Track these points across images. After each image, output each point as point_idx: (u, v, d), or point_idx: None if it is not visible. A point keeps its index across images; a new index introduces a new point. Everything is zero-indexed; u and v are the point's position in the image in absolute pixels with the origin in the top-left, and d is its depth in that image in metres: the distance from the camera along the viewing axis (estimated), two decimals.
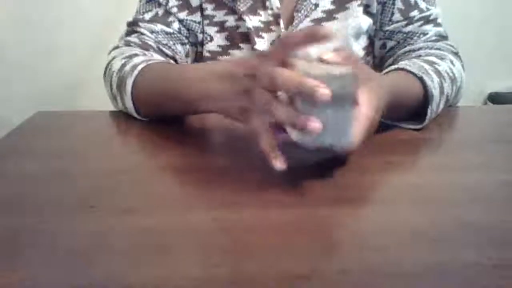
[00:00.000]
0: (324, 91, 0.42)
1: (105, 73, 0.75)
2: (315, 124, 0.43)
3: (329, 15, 0.79)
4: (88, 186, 0.50)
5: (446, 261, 0.37)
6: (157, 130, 0.65)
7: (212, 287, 0.34)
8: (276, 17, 0.78)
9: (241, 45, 0.80)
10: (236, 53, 0.80)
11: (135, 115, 0.69)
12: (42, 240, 0.40)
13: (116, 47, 0.78)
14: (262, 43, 0.78)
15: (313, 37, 0.46)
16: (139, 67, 0.67)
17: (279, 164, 0.47)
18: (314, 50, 0.49)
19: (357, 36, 0.81)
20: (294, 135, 0.47)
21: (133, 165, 0.57)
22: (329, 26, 0.79)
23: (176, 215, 0.44)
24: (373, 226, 0.42)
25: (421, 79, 0.64)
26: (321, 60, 0.49)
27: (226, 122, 0.57)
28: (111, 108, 0.75)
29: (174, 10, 0.79)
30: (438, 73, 0.68)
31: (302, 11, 0.78)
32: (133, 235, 0.41)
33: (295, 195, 0.47)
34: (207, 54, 0.81)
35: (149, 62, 0.69)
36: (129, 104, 0.68)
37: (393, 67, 0.69)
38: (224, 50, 0.80)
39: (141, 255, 0.38)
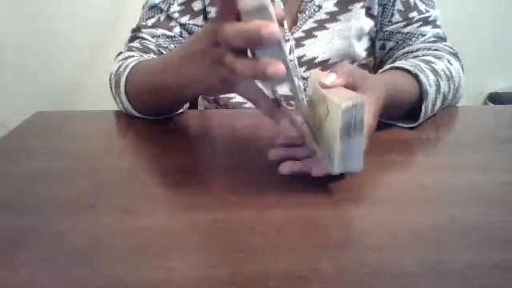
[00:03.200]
0: (266, 30, 0.40)
1: (109, 79, 0.76)
2: (274, 66, 0.41)
3: (332, 17, 0.79)
4: (88, 186, 0.50)
5: (446, 261, 0.37)
6: (157, 130, 0.65)
7: (212, 287, 0.34)
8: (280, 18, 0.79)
9: None
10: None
11: (134, 113, 0.69)
12: (42, 240, 0.40)
13: (120, 54, 0.79)
14: None
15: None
16: (131, 65, 0.68)
17: (283, 124, 0.47)
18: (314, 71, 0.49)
19: (359, 37, 0.81)
20: (263, 84, 0.47)
21: (133, 165, 0.57)
22: (331, 29, 0.79)
23: (176, 215, 0.44)
24: (373, 226, 0.42)
25: (415, 76, 0.65)
26: (322, 86, 0.48)
27: (226, 123, 0.57)
28: (111, 108, 0.75)
29: (176, 15, 0.80)
30: (435, 71, 0.68)
31: (306, 13, 0.79)
32: (133, 235, 0.41)
33: (295, 195, 0.47)
34: None
35: (140, 59, 0.69)
36: (126, 103, 0.68)
37: (388, 66, 0.70)
38: None
39: (141, 255, 0.38)
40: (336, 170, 0.46)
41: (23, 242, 0.40)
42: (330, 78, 0.49)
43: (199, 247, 0.39)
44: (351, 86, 0.50)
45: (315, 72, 0.51)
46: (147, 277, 0.35)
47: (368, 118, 0.50)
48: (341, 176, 0.50)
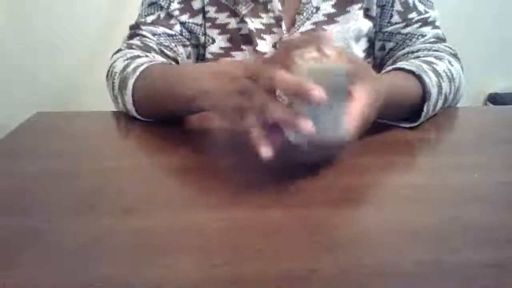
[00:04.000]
0: (319, 94, 0.43)
1: (107, 75, 0.75)
2: (309, 123, 0.44)
3: (330, 19, 0.79)
4: (88, 186, 0.50)
5: (446, 261, 0.37)
6: (157, 131, 0.65)
7: (212, 287, 0.34)
8: (278, 19, 0.79)
9: (243, 47, 0.80)
10: (238, 54, 0.80)
11: (135, 115, 0.69)
12: (42, 240, 0.40)
13: (119, 50, 0.78)
14: (264, 45, 0.79)
15: (315, 41, 0.47)
16: (141, 68, 0.68)
17: (264, 151, 0.47)
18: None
19: (357, 39, 0.81)
20: (290, 136, 0.48)
21: (133, 165, 0.57)
22: (330, 30, 0.79)
23: (176, 215, 0.44)
24: (373, 226, 0.42)
25: (419, 77, 0.65)
26: (319, 52, 0.49)
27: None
28: (111, 108, 0.75)
29: (176, 13, 0.79)
30: (436, 72, 0.68)
31: (304, 14, 0.79)
32: (133, 235, 0.41)
33: (295, 195, 0.47)
34: (209, 56, 0.82)
35: (151, 63, 0.69)
36: (130, 105, 0.68)
37: (391, 67, 0.70)
38: (226, 52, 0.81)
39: (141, 255, 0.38)
40: (321, 135, 0.46)
41: (23, 242, 0.40)
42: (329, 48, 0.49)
43: (199, 247, 0.39)
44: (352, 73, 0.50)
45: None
46: (147, 277, 0.35)
47: (364, 105, 0.50)
48: (341, 176, 0.50)
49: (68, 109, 0.78)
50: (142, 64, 0.68)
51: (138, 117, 0.69)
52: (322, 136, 0.46)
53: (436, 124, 0.68)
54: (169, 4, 0.79)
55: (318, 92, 0.43)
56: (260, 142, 0.48)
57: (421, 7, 0.80)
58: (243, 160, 0.56)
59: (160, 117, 0.67)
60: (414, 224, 0.42)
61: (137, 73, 0.67)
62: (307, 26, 0.79)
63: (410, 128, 0.65)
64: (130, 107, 0.68)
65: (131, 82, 0.67)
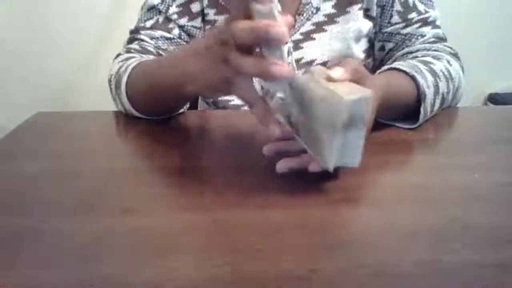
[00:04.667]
0: (279, 29, 0.41)
1: (108, 80, 0.76)
2: (283, 67, 0.42)
3: (330, 19, 0.79)
4: (88, 186, 0.50)
5: (446, 261, 0.37)
6: (157, 130, 0.65)
7: (212, 287, 0.34)
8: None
9: None
10: None
11: (134, 113, 0.69)
12: (42, 240, 0.40)
13: (118, 55, 0.79)
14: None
15: None
16: (132, 65, 0.68)
17: (272, 130, 0.47)
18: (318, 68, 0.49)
19: (357, 39, 0.81)
20: (270, 87, 0.47)
21: (133, 165, 0.57)
22: (330, 31, 0.79)
23: (176, 215, 0.44)
24: (373, 226, 0.42)
25: (413, 77, 0.65)
26: (329, 80, 0.48)
27: (226, 123, 0.57)
28: (111, 108, 0.75)
29: (174, 16, 0.80)
30: (433, 72, 0.68)
31: (304, 15, 0.78)
32: (133, 235, 0.41)
33: (295, 195, 0.47)
34: None
35: (141, 60, 0.69)
36: (126, 104, 0.68)
37: (386, 67, 0.70)
38: None
39: (141, 255, 0.38)
40: (333, 164, 0.45)
41: (23, 242, 0.40)
42: (337, 72, 0.49)
43: (199, 247, 0.39)
44: (356, 83, 0.50)
45: (317, 67, 0.50)
46: (147, 277, 0.35)
47: (370, 117, 0.50)
48: (341, 176, 0.50)
49: (67, 110, 0.78)
50: (133, 62, 0.69)
51: (138, 115, 0.69)
52: (336, 164, 0.45)
53: (436, 124, 0.68)
54: (168, 8, 0.79)
55: (276, 27, 0.41)
56: (264, 121, 0.47)
57: (421, 7, 0.80)
58: (243, 160, 0.56)
59: (157, 111, 0.68)
60: (414, 224, 0.42)
61: (129, 70, 0.68)
62: (307, 26, 0.79)
63: (410, 128, 0.65)
64: (127, 105, 0.68)
65: (124, 81, 0.68)
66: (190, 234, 0.41)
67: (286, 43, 0.78)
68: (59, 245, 0.39)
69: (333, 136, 0.44)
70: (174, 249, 0.39)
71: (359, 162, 0.46)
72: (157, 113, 0.68)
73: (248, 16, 0.45)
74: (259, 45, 0.45)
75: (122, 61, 0.74)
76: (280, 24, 0.42)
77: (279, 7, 0.44)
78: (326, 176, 0.49)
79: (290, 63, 0.46)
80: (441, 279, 0.35)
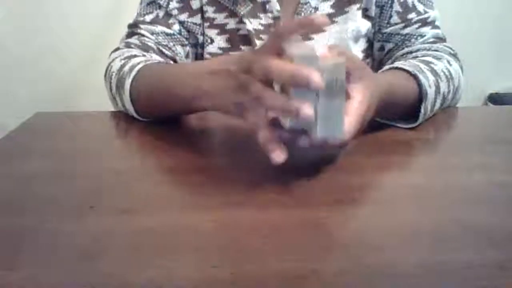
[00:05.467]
0: (317, 79, 0.42)
1: (105, 74, 0.75)
2: (307, 109, 0.43)
3: (329, 19, 0.79)
4: (88, 186, 0.50)
5: (446, 261, 0.37)
6: (157, 131, 0.65)
7: (212, 287, 0.34)
8: (277, 20, 0.79)
9: (242, 47, 0.80)
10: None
11: (134, 115, 0.69)
12: (42, 240, 0.40)
13: (117, 49, 0.78)
14: None
15: (308, 26, 0.46)
16: (137, 67, 0.68)
17: (276, 157, 0.47)
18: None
19: (356, 39, 0.81)
20: (287, 123, 0.47)
21: (133, 165, 0.57)
22: (328, 31, 0.79)
23: (176, 215, 0.44)
24: (373, 226, 0.42)
25: (415, 76, 0.65)
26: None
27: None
28: (111, 108, 0.75)
29: (175, 12, 0.79)
30: (434, 72, 0.68)
31: (302, 14, 0.78)
32: (133, 235, 0.41)
33: (295, 195, 0.47)
34: (207, 56, 0.82)
35: (147, 63, 0.69)
36: (128, 104, 0.68)
37: (388, 66, 0.70)
38: (225, 53, 0.81)
39: (141, 255, 0.38)
40: (319, 134, 0.46)
41: (23, 242, 0.40)
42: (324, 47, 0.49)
43: (199, 247, 0.39)
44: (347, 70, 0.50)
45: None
46: (147, 277, 0.35)
47: (361, 104, 0.50)
48: (341, 176, 0.50)
49: (67, 110, 0.78)
50: (138, 64, 0.68)
51: (137, 117, 0.69)
52: (320, 134, 0.46)
53: (436, 124, 0.68)
54: (168, 3, 0.79)
55: (314, 75, 0.42)
56: (269, 147, 0.47)
57: (420, 7, 0.80)
58: (243, 160, 0.56)
59: (159, 117, 0.67)
60: (414, 224, 0.42)
61: (134, 72, 0.67)
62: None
63: (410, 128, 0.65)
64: (129, 106, 0.68)
65: (128, 82, 0.67)
66: (190, 234, 0.41)
67: None
68: (59, 245, 0.39)
69: (316, 103, 0.45)
70: (174, 249, 0.39)
71: (344, 134, 0.47)
72: (159, 118, 0.68)
73: (279, 51, 0.47)
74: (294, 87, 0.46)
75: (124, 58, 0.72)
76: (317, 71, 0.43)
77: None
78: (326, 176, 0.50)
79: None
80: (441, 279, 0.35)
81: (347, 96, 0.49)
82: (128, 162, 0.58)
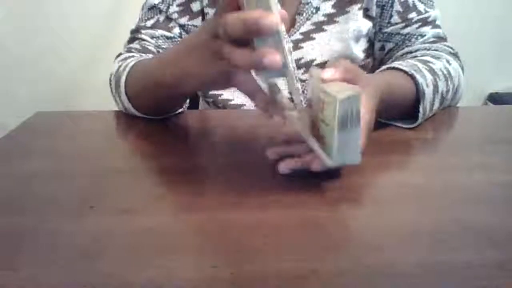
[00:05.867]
0: (270, 18, 0.40)
1: (109, 80, 0.76)
2: (271, 56, 0.41)
3: (330, 19, 0.79)
4: (88, 186, 0.50)
5: (446, 261, 0.37)
6: (157, 131, 0.65)
7: (212, 287, 0.34)
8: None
9: None
10: None
11: (135, 113, 0.69)
12: (42, 240, 0.40)
13: (119, 55, 0.79)
14: None
15: None
16: (130, 65, 0.69)
17: (277, 119, 0.47)
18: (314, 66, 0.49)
19: (357, 39, 0.81)
20: (261, 78, 0.47)
21: (133, 165, 0.57)
22: (330, 31, 0.79)
23: (176, 215, 0.44)
24: (373, 226, 0.42)
25: (412, 76, 0.65)
26: (322, 81, 0.49)
27: (226, 123, 0.57)
28: (111, 108, 0.75)
29: (175, 16, 0.80)
30: (432, 71, 0.68)
31: (304, 15, 0.79)
32: (133, 235, 0.41)
33: (295, 195, 0.47)
34: None
35: (139, 59, 0.69)
36: (126, 103, 0.68)
37: (385, 66, 0.70)
38: None
39: (141, 255, 0.38)
40: (334, 163, 0.46)
41: (23, 242, 0.40)
42: (328, 72, 0.49)
43: (199, 247, 0.39)
44: (349, 82, 0.50)
45: (316, 70, 0.51)
46: (147, 277, 0.35)
47: (365, 113, 0.51)
48: (341, 176, 0.50)
49: (68, 109, 0.78)
50: (131, 61, 0.69)
51: (138, 114, 0.69)
52: (335, 163, 0.46)
53: (436, 124, 0.68)
54: (168, 7, 0.80)
55: (267, 17, 0.40)
56: (267, 111, 0.48)
57: (421, 7, 0.80)
58: (243, 160, 0.56)
59: (157, 110, 0.68)
60: (414, 224, 0.42)
61: (127, 69, 0.68)
62: (307, 26, 0.79)
63: (410, 128, 0.65)
64: (127, 104, 0.69)
65: (123, 80, 0.68)
66: (190, 234, 0.41)
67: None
68: (59, 245, 0.39)
69: (333, 134, 0.45)
70: (174, 249, 0.39)
71: (359, 160, 0.47)
72: (157, 112, 0.68)
73: (237, 5, 0.44)
74: (252, 36, 0.43)
75: (121, 60, 0.74)
76: (272, 13, 0.41)
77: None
78: (326, 176, 0.49)
79: (287, 55, 0.46)
80: (441, 279, 0.35)
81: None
82: (128, 162, 0.58)
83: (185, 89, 0.56)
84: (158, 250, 0.38)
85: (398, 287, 0.35)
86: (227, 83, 0.50)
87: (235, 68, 0.46)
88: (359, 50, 0.82)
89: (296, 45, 0.79)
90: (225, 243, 0.40)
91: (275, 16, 0.40)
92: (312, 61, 0.80)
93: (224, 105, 0.82)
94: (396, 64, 0.68)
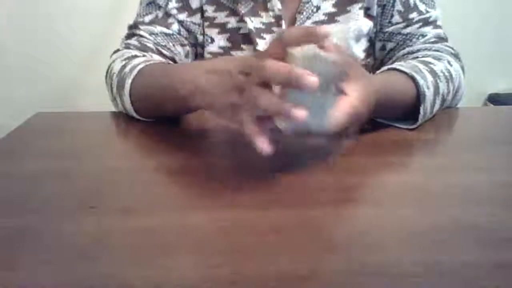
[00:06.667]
0: (312, 79, 0.43)
1: (106, 76, 0.76)
2: (300, 111, 0.44)
3: (331, 18, 0.79)
4: (88, 186, 0.50)
5: (446, 261, 0.37)
6: (157, 131, 0.65)
7: (212, 287, 0.34)
8: (278, 18, 0.79)
9: (243, 46, 0.80)
10: (238, 54, 0.80)
11: (134, 115, 0.69)
12: (42, 240, 0.40)
13: (117, 50, 0.79)
14: (264, 45, 0.78)
15: (312, 35, 0.47)
16: (138, 68, 0.68)
17: (261, 144, 0.47)
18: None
19: (358, 38, 0.81)
20: (281, 124, 0.48)
21: (133, 165, 0.57)
22: (328, 26, 0.79)
23: (176, 215, 0.44)
24: (373, 226, 0.42)
25: (412, 78, 0.65)
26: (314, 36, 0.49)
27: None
28: (111, 108, 0.75)
29: (174, 12, 0.79)
30: (433, 72, 0.68)
31: (304, 13, 0.78)
32: (133, 235, 0.41)
33: (295, 195, 0.47)
34: (208, 56, 0.82)
35: (148, 63, 0.69)
36: (128, 105, 0.68)
37: (386, 67, 0.70)
38: (226, 52, 0.81)
39: (141, 255, 0.38)
40: (308, 122, 0.46)
41: (23, 242, 0.40)
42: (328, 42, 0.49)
43: (199, 247, 0.39)
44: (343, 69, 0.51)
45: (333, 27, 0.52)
46: (147, 277, 0.35)
47: (355, 99, 0.51)
48: (341, 176, 0.50)
49: (68, 110, 0.78)
50: (139, 64, 0.69)
51: (137, 117, 0.69)
52: (306, 124, 0.47)
53: (436, 124, 0.68)
54: (167, 3, 0.79)
55: (309, 77, 0.43)
56: (256, 138, 0.48)
57: (422, 7, 0.80)
58: (243, 160, 0.56)
59: (159, 117, 0.68)
60: (414, 224, 0.42)
61: (134, 72, 0.67)
62: (308, 25, 0.79)
63: (410, 129, 0.65)
64: (129, 107, 0.68)
65: (128, 83, 0.67)
66: (190, 234, 0.41)
67: None
68: (59, 245, 0.39)
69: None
70: (174, 249, 0.39)
71: (325, 129, 0.47)
72: (157, 117, 0.68)
73: (281, 55, 0.47)
74: (287, 86, 0.46)
75: (125, 59, 0.73)
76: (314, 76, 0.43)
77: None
78: (326, 176, 0.50)
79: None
80: (441, 279, 0.35)
81: (341, 93, 0.50)
82: (128, 162, 0.58)
83: (192, 106, 0.57)
84: (158, 250, 0.38)
85: (398, 287, 0.35)
86: (232, 116, 0.51)
87: (253, 105, 0.47)
88: (359, 49, 0.82)
89: None
90: (225, 243, 0.40)
91: (316, 81, 0.43)
92: None
93: None
94: (396, 65, 0.68)
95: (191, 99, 0.56)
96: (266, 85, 0.47)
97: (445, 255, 0.38)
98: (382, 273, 0.36)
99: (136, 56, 0.73)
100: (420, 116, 0.64)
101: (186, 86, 0.57)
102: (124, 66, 0.71)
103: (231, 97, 0.50)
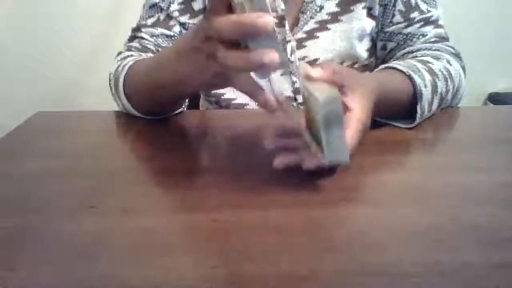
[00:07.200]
0: (262, 22, 0.40)
1: (109, 79, 0.76)
2: (268, 55, 0.41)
3: (334, 17, 0.79)
4: (88, 186, 0.50)
5: (446, 261, 0.37)
6: (157, 131, 0.65)
7: (212, 287, 0.34)
8: (281, 19, 0.78)
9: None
10: None
11: (134, 112, 0.69)
12: (42, 240, 0.40)
13: (119, 53, 0.79)
14: None
15: None
16: (128, 64, 0.69)
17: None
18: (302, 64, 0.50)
19: (360, 38, 0.81)
20: (259, 76, 0.47)
21: (133, 165, 0.57)
22: (334, 30, 0.79)
23: (176, 215, 0.44)
24: (373, 226, 0.42)
25: (409, 76, 0.65)
26: (307, 78, 0.49)
27: (226, 124, 0.57)
28: (111, 108, 0.75)
29: (176, 14, 0.80)
30: (431, 71, 0.68)
31: (307, 13, 0.78)
32: (133, 235, 0.41)
33: (295, 195, 0.47)
34: None
35: (137, 59, 0.69)
36: (125, 103, 0.69)
37: (383, 66, 0.70)
38: None
39: (141, 255, 0.38)
40: (327, 158, 0.46)
41: (23, 242, 0.40)
42: (316, 72, 0.49)
43: (199, 247, 0.39)
44: (339, 84, 0.51)
45: (303, 65, 0.51)
46: (147, 277, 0.35)
47: (361, 113, 0.52)
48: (341, 176, 0.50)
49: (68, 109, 0.78)
50: (129, 61, 0.70)
51: (137, 114, 0.69)
52: (328, 159, 0.47)
53: (436, 124, 0.68)
54: (169, 6, 0.79)
55: (260, 20, 0.40)
56: (256, 95, 0.48)
57: (423, 6, 0.80)
58: (244, 160, 0.56)
59: (156, 110, 0.68)
60: (414, 224, 0.42)
61: (126, 69, 0.68)
62: (311, 25, 0.79)
63: (409, 128, 0.65)
64: (126, 104, 0.69)
65: (121, 80, 0.68)
66: (190, 234, 0.41)
67: (289, 41, 0.79)
68: (59, 245, 0.39)
69: (319, 133, 0.46)
70: (173, 249, 0.39)
71: (348, 160, 0.47)
72: (156, 112, 0.68)
73: (228, 6, 0.44)
74: (249, 38, 0.43)
75: (120, 59, 0.74)
76: (268, 13, 0.41)
77: None
78: (326, 175, 0.49)
79: (293, 61, 0.46)
80: (441, 279, 0.35)
81: (346, 109, 0.51)
82: (128, 162, 0.58)
83: (184, 91, 0.57)
84: (158, 250, 0.38)
85: (398, 287, 0.35)
86: (224, 84, 0.50)
87: (231, 70, 0.46)
88: (362, 49, 0.82)
89: (300, 44, 0.79)
90: (225, 243, 0.40)
91: (270, 17, 0.40)
92: (315, 60, 0.80)
93: (227, 104, 0.81)
94: (394, 64, 0.68)
95: (179, 86, 0.55)
96: (232, 43, 0.44)
97: (445, 255, 0.38)
98: (382, 273, 0.36)
99: (131, 55, 0.74)
100: (418, 115, 0.64)
101: (168, 75, 0.55)
102: (118, 66, 0.72)
103: (210, 67, 0.48)
